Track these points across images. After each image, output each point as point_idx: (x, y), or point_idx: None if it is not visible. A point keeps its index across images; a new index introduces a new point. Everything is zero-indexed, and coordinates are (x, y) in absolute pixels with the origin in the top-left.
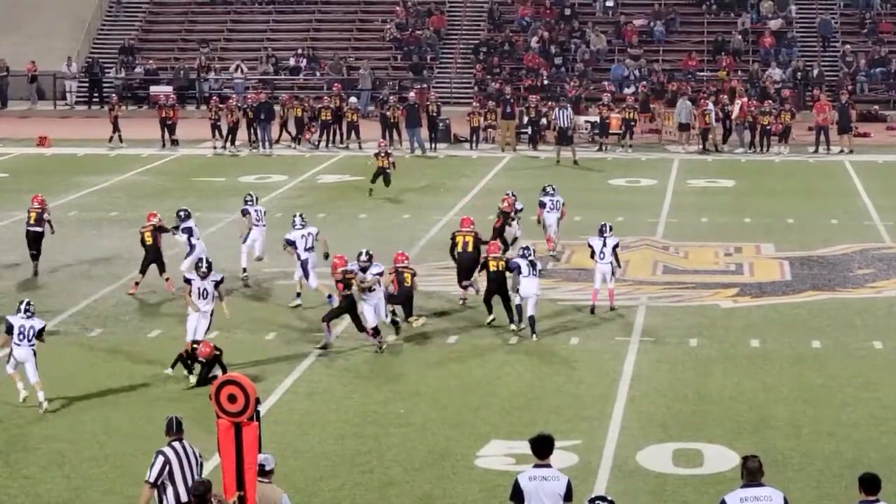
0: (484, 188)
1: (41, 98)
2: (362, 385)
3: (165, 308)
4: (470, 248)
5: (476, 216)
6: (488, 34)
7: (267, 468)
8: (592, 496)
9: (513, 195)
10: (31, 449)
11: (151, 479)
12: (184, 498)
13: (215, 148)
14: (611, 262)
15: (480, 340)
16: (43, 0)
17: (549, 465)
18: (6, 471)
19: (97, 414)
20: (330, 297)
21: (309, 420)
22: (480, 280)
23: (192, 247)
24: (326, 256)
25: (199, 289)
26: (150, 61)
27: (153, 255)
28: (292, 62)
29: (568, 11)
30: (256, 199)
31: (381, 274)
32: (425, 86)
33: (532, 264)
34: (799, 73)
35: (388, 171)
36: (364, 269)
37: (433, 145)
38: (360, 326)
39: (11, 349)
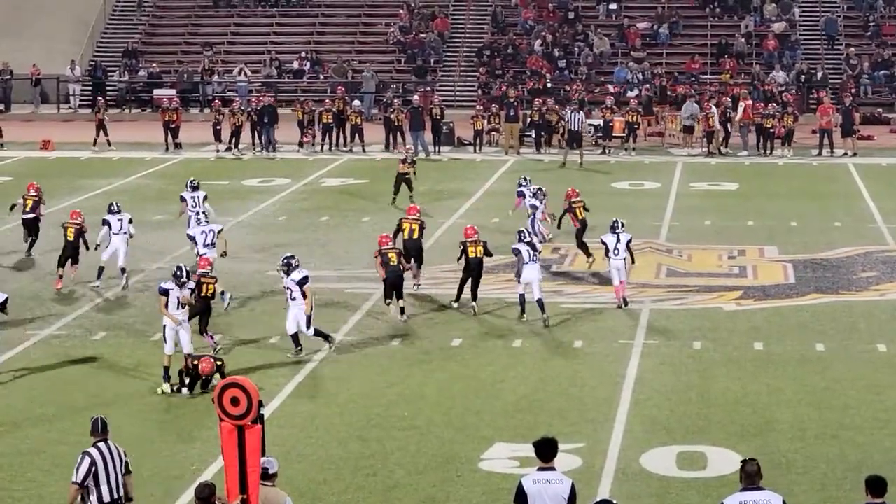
0: (487, 191)
1: (44, 101)
2: (366, 388)
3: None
4: (416, 235)
5: (479, 219)
6: (492, 37)
7: (271, 471)
8: (598, 500)
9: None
10: (35, 452)
11: (78, 480)
12: (107, 498)
13: (218, 151)
14: (624, 259)
15: (484, 343)
16: (46, 3)
17: (552, 468)
18: (10, 474)
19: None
20: (223, 293)
21: (312, 423)
22: (460, 265)
23: (110, 239)
24: (224, 255)
25: (177, 298)
26: (154, 64)
27: (70, 251)
28: (296, 65)
29: (571, 14)
30: (198, 184)
31: (305, 280)
32: (429, 89)
33: (532, 248)
34: (802, 76)
35: (409, 177)
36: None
37: (437, 148)
38: (203, 329)
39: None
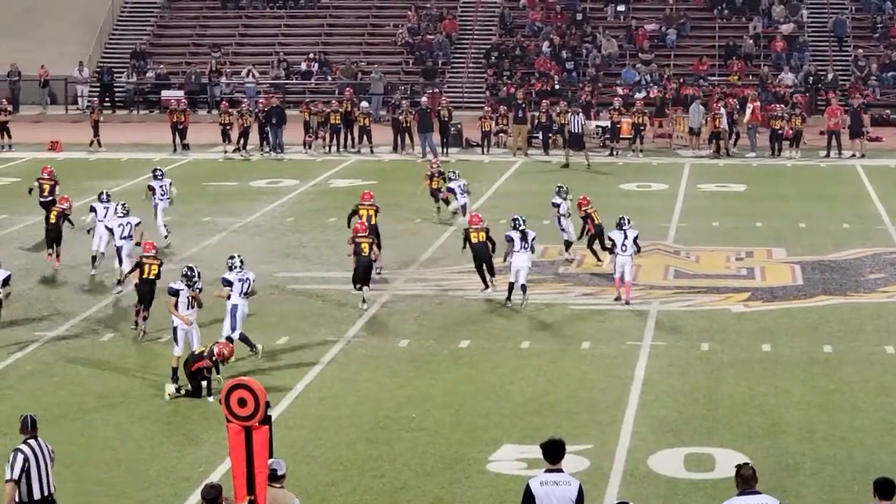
0: (496, 192)
1: (53, 102)
2: (374, 390)
3: None
4: (373, 220)
5: (488, 219)
6: (500, 39)
7: (279, 473)
8: (616, 502)
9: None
10: None
11: (15, 477)
12: (37, 495)
13: (226, 152)
14: (631, 255)
15: (492, 345)
16: (55, 5)
17: (560, 470)
18: None
19: (109, 418)
20: (120, 281)
21: (321, 425)
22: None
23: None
24: (138, 244)
25: (187, 298)
26: (162, 66)
27: (53, 235)
28: (304, 67)
29: (579, 16)
30: (163, 173)
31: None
32: (437, 90)
33: (524, 236)
34: (810, 78)
35: (440, 191)
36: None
37: (445, 150)
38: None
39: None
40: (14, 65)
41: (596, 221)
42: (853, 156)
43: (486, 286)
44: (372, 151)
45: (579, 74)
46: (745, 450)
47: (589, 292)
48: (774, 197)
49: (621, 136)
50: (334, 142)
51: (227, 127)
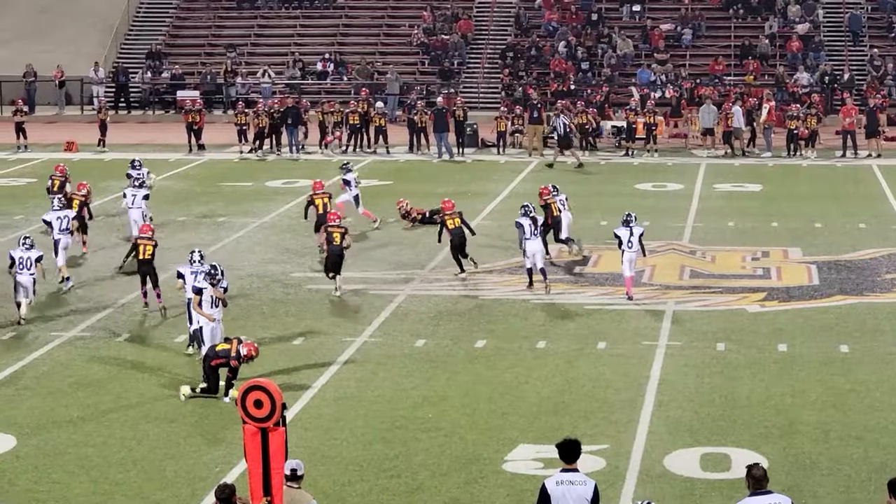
0: (512, 192)
1: (69, 103)
2: (390, 390)
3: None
4: (329, 209)
5: (504, 220)
6: (515, 39)
7: (299, 473)
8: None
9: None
10: (60, 453)
11: None
12: None
13: (242, 153)
14: (636, 252)
15: (508, 345)
16: (71, 6)
17: (576, 470)
18: (35, 475)
19: (125, 419)
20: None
21: (337, 425)
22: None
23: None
24: (71, 233)
25: (210, 297)
26: (177, 66)
27: (78, 224)
28: (319, 67)
29: (595, 16)
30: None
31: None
32: (452, 90)
33: (534, 222)
34: (826, 77)
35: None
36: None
37: (461, 150)
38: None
39: (16, 278)
40: (30, 65)
41: (554, 213)
42: (869, 155)
43: (462, 270)
44: (388, 151)
45: (594, 74)
46: (761, 450)
47: (605, 292)
48: (790, 197)
49: (636, 136)
50: (352, 142)
51: (243, 127)
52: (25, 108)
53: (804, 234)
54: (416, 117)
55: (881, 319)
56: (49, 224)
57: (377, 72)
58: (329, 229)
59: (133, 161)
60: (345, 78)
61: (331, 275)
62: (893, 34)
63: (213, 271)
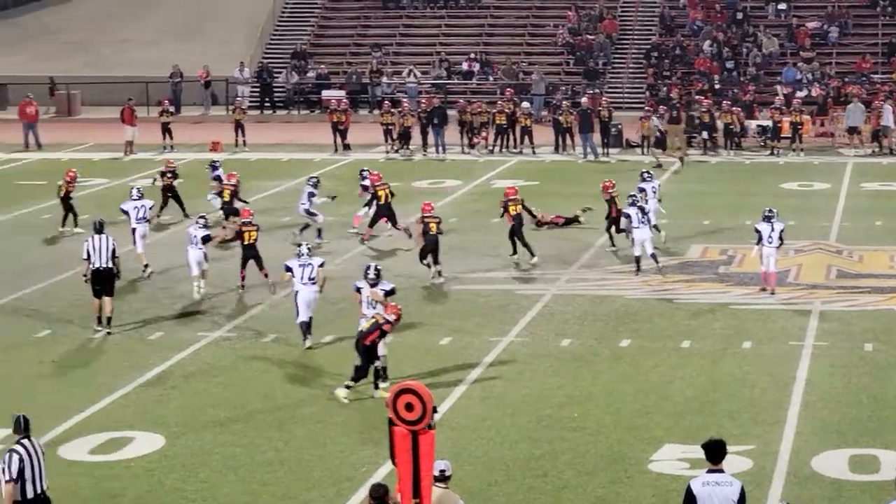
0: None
1: (214, 103)
2: (536, 389)
3: (339, 312)
4: (389, 200)
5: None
6: (660, 39)
7: (447, 474)
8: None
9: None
10: (207, 453)
11: (14, 476)
12: (31, 493)
13: (388, 152)
14: (776, 247)
15: (653, 344)
16: (218, 7)
17: (722, 471)
18: (183, 474)
19: (272, 419)
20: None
21: (483, 424)
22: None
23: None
24: (149, 222)
25: (366, 297)
26: (322, 66)
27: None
28: (465, 66)
29: (740, 15)
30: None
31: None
32: (597, 91)
33: (641, 210)
34: None
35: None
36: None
37: (605, 150)
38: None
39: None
40: (176, 66)
41: (618, 206)
42: None
43: (532, 255)
44: (534, 152)
45: (740, 74)
46: None
47: (749, 292)
48: None
49: (782, 135)
50: (498, 142)
51: (389, 127)
52: (172, 109)
53: None
54: (561, 117)
55: None
56: (126, 213)
57: (522, 72)
58: (425, 220)
59: (213, 162)
60: (490, 78)
61: (426, 262)
62: None
63: (372, 273)
